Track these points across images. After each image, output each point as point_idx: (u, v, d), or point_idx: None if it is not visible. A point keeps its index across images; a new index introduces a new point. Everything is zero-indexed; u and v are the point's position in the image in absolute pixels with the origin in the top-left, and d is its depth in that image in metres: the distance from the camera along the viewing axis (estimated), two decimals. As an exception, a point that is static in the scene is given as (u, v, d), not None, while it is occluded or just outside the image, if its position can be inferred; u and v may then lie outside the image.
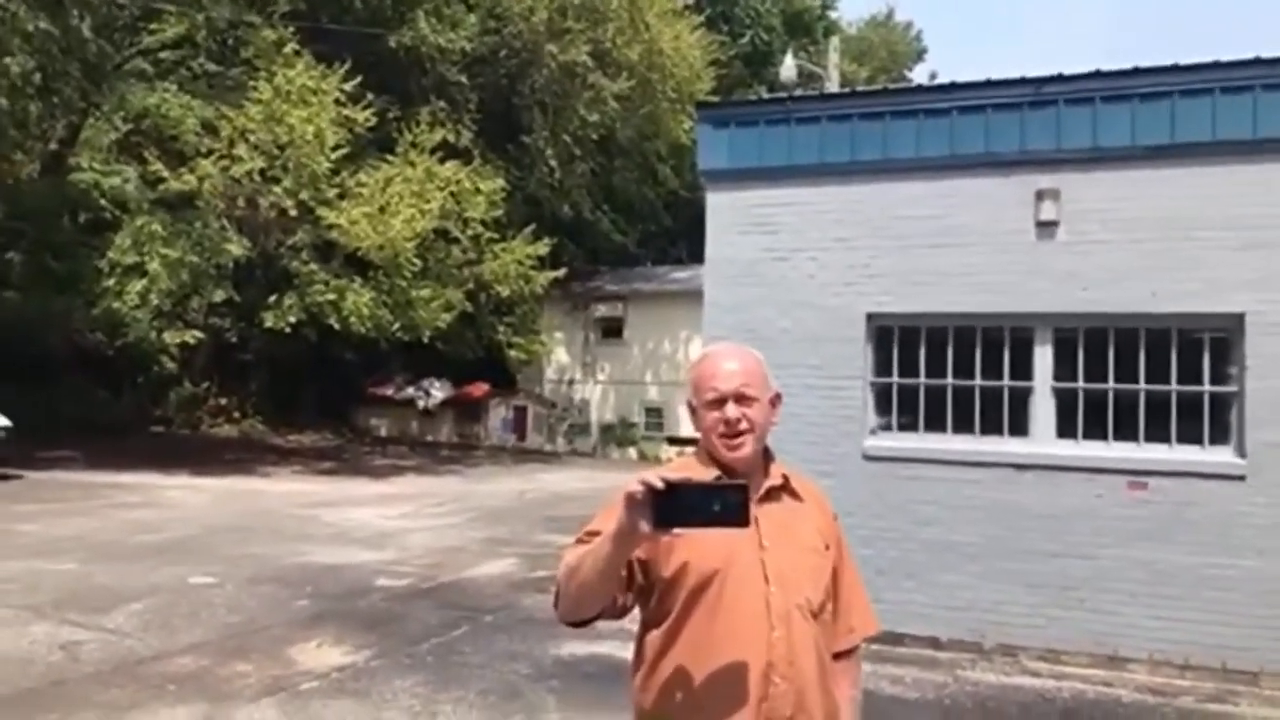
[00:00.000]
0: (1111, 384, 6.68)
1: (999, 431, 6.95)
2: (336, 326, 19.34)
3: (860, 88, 13.66)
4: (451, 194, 19.80)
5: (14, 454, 16.03)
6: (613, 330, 28.63)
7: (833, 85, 19.19)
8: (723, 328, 7.50)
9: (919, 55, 48.32)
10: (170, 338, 19.18)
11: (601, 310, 28.67)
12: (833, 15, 40.77)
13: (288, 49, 18.78)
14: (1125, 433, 6.65)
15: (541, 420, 28.74)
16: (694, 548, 1.82)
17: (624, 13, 23.41)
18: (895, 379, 7.28)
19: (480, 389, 28.43)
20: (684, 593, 1.86)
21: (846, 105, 7.81)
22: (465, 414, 28.96)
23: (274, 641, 6.62)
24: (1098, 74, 6.86)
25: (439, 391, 28.49)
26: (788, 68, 18.86)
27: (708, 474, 1.92)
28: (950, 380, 7.10)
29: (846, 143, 7.44)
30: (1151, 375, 6.60)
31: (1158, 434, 6.57)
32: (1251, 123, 6.39)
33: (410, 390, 28.79)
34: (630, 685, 1.99)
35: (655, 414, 27.56)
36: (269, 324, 19.37)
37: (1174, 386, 6.55)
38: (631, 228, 31.29)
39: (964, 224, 7.07)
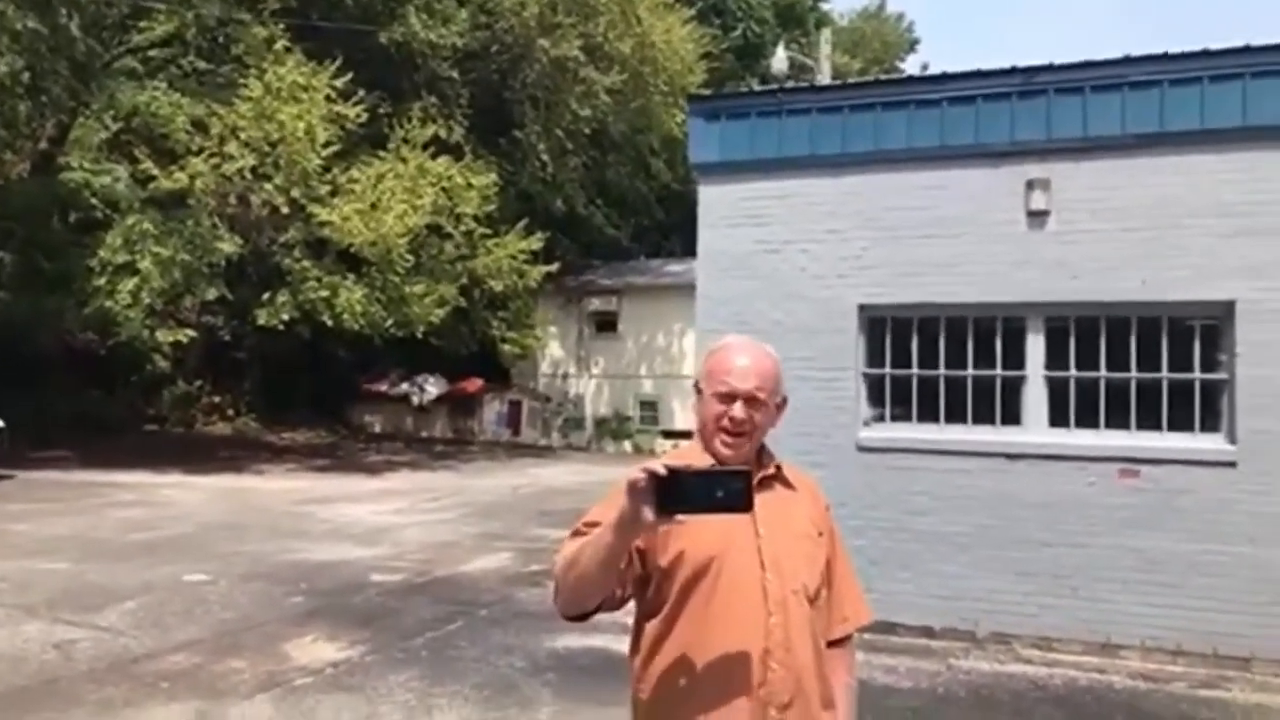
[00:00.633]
0: (1103, 372, 6.70)
1: (992, 421, 6.97)
2: (329, 323, 19.30)
3: (851, 79, 13.69)
4: (444, 189, 19.75)
5: (7, 454, 16.00)
6: (607, 324, 28.61)
7: (824, 77, 19.17)
8: (715, 320, 7.50)
9: (911, 46, 48.33)
10: (163, 336, 19.12)
11: (595, 304, 28.65)
12: (824, 7, 40.73)
13: (278, 46, 18.70)
14: (1117, 421, 6.67)
15: (536, 415, 28.73)
16: (691, 536, 1.82)
17: (615, 6, 23.36)
18: (888, 370, 7.29)
19: (474, 384, 28.40)
20: (680, 581, 1.86)
21: (837, 97, 7.82)
22: (459, 409, 28.93)
23: (268, 638, 6.62)
24: (1087, 63, 6.87)
25: (433, 387, 28.46)
26: (779, 60, 18.85)
27: (704, 461, 1.93)
28: (943, 370, 7.11)
29: (838, 134, 7.44)
30: (1143, 363, 6.62)
31: (1149, 422, 6.59)
32: (1241, 110, 6.40)
33: (404, 386, 28.75)
34: (629, 676, 1.99)
35: (650, 407, 27.57)
36: (262, 321, 19.32)
37: (1165, 374, 6.57)
38: (625, 221, 31.27)
39: (955, 214, 7.07)
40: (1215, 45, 6.58)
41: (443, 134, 21.17)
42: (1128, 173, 6.67)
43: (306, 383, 28.12)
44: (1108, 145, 6.72)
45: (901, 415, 7.26)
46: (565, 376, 28.89)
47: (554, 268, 23.75)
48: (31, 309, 18.87)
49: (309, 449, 24.24)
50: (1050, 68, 6.93)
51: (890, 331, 7.29)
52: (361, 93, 19.63)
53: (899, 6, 75.37)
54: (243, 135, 17.95)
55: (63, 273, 19.12)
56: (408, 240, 18.83)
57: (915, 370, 7.19)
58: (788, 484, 2.01)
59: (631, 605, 1.97)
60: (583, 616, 1.91)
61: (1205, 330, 6.57)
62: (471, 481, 18.34)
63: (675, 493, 1.61)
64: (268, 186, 18.19)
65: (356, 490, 16.27)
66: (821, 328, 7.28)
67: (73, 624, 6.81)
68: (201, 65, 21.22)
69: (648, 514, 1.61)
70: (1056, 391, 6.82)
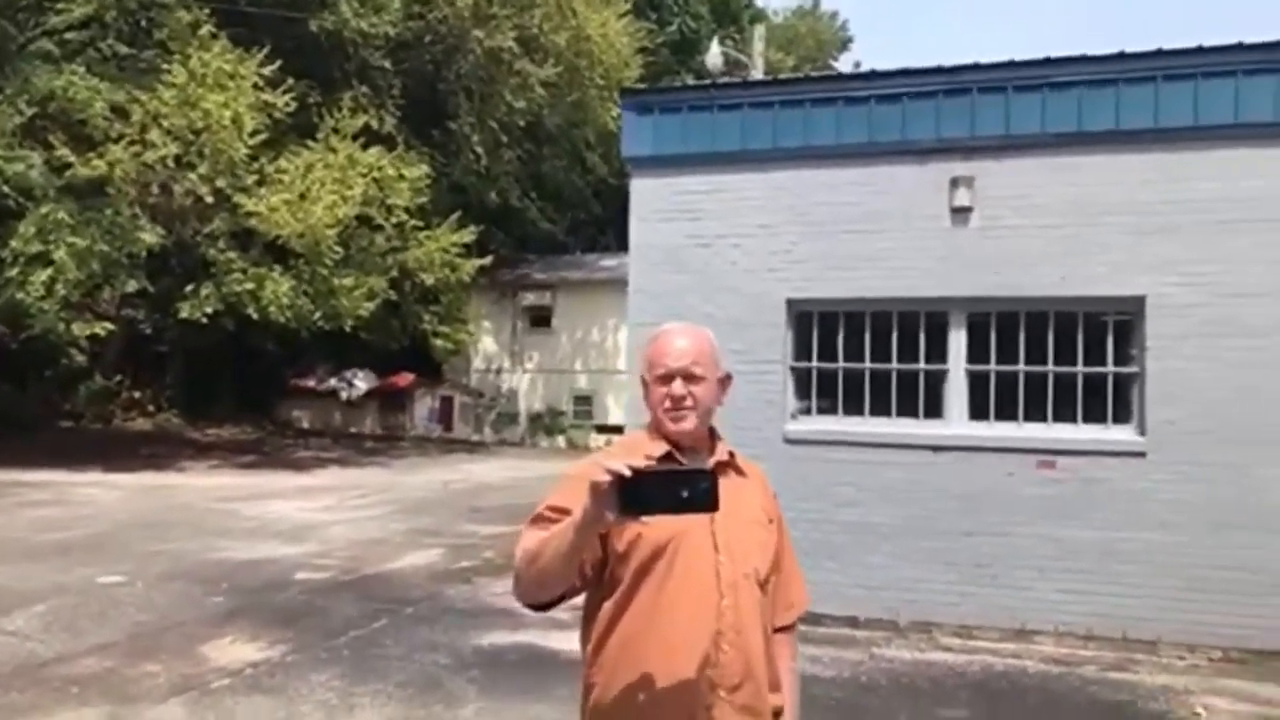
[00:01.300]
0: (1022, 366, 6.86)
1: (915, 414, 7.09)
2: (255, 316, 18.87)
3: (783, 75, 13.82)
4: (374, 180, 19.46)
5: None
6: (541, 319, 28.48)
7: (758, 73, 19.29)
8: (648, 314, 7.50)
9: (844, 45, 48.98)
10: (79, 329, 18.44)
11: (530, 299, 28.50)
12: (759, 4, 41.08)
13: (203, 31, 18.22)
14: (1035, 413, 6.84)
15: (468, 410, 28.49)
16: (648, 524, 1.82)
17: (551, -1, 23.25)
18: (815, 363, 7.37)
19: (405, 379, 28.04)
20: (636, 564, 1.87)
21: (768, 93, 7.86)
22: (390, 405, 28.54)
23: (186, 639, 6.43)
24: (1010, 64, 7.02)
25: (363, 382, 28.02)
26: (713, 55, 18.91)
27: (658, 447, 1.95)
28: (868, 364, 7.21)
29: (768, 130, 7.49)
30: (1060, 357, 6.79)
31: (1066, 414, 6.78)
32: (1153, 113, 6.60)
33: (333, 381, 28.27)
34: (581, 658, 1.99)
35: (584, 402, 27.54)
36: (185, 314, 18.80)
37: (1080, 368, 6.75)
38: (560, 215, 31.13)
39: (882, 210, 7.17)
40: (1130, 49, 6.79)
41: (374, 124, 20.85)
42: (1048, 171, 6.83)
43: (232, 377, 27.49)
44: (1029, 144, 6.88)
45: (828, 408, 7.34)
46: (499, 371, 28.70)
47: (487, 261, 23.54)
48: (-62, 301, 18.08)
49: (234, 445, 23.67)
50: (975, 67, 7.07)
51: (817, 325, 7.37)
52: (290, 81, 19.20)
53: (833, 5, 76.36)
54: (165, 123, 17.43)
55: (-29, 263, 18.36)
56: (337, 232, 18.50)
57: (841, 364, 7.28)
58: (740, 471, 2.04)
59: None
60: (543, 606, 1.91)
61: (1119, 325, 6.77)
62: (402, 478, 18.10)
63: (639, 493, 1.58)
64: (192, 176, 17.70)
65: (283, 487, 15.94)
66: (752, 321, 7.32)
67: (-23, 627, 6.55)
68: (122, 49, 20.47)
69: (610, 515, 1.61)
70: (977, 385, 6.97)
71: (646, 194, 7.75)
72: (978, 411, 6.96)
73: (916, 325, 7.13)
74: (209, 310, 18.58)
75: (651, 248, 7.66)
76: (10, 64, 19.75)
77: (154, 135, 17.35)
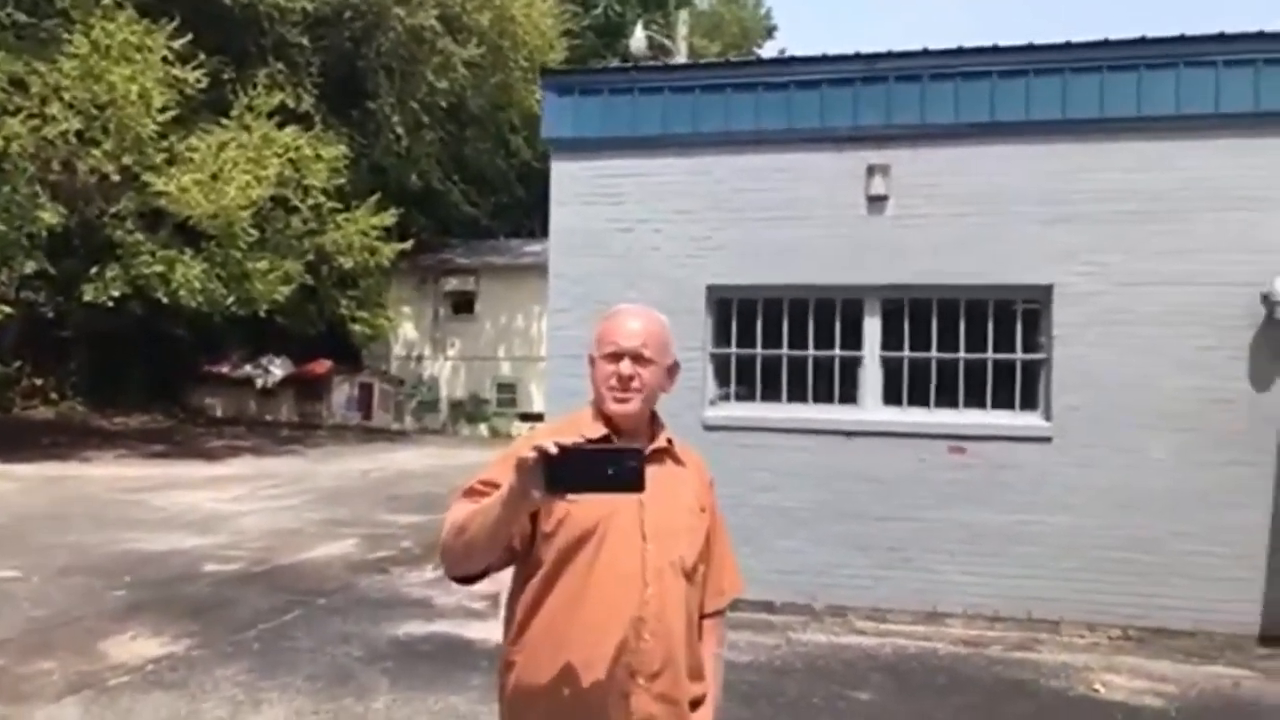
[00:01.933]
0: (934, 353, 6.99)
1: (830, 400, 7.17)
2: (165, 300, 18.20)
3: (704, 60, 13.85)
4: (290, 161, 18.86)
5: None
6: (463, 305, 28.10)
7: (681, 59, 19.28)
8: (569, 299, 7.44)
9: (769, 32, 49.23)
10: (-29, 313, 17.58)
11: (452, 284, 28.08)
12: (685, -10, 40.97)
13: (107, 0, 17.41)
14: (946, 399, 6.98)
15: (389, 398, 28.01)
16: (575, 503, 1.81)
17: (473, -23, 22.85)
18: (733, 349, 7.39)
19: (323, 366, 27.40)
20: (560, 546, 1.86)
21: (689, 77, 7.84)
22: (307, 392, 27.85)
23: (83, 635, 6.18)
24: (925, 52, 7.12)
25: (278, 369, 27.30)
26: (637, 40, 18.81)
27: (596, 429, 1.94)
28: (785, 351, 7.27)
29: (689, 114, 7.46)
30: (970, 344, 6.93)
31: (976, 400, 6.92)
32: (1060, 104, 6.76)
33: (248, 368, 27.47)
34: (501, 637, 1.99)
35: (508, 390, 27.31)
36: (89, 298, 18.04)
37: (990, 355, 6.91)
38: (484, 199, 30.67)
39: (800, 197, 7.21)
40: (1039, 40, 6.94)
41: (290, 103, 20.24)
42: (960, 160, 6.95)
43: (140, 364, 26.50)
44: (942, 133, 6.99)
45: (745, 394, 7.38)
46: (420, 358, 28.26)
47: (408, 245, 23.08)
48: None
49: (143, 434, 22.87)
50: (891, 55, 7.14)
51: (736, 312, 7.40)
52: (202, 56, 18.48)
53: (758, -7, 76.57)
54: (67, 96, 16.61)
55: None
56: (251, 213, 17.90)
57: (759, 350, 7.32)
58: (677, 460, 2.04)
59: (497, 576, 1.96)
60: (468, 579, 1.90)
61: (1026, 313, 6.94)
62: (318, 467, 17.72)
63: (566, 470, 1.57)
64: (96, 153, 16.92)
65: (194, 477, 15.47)
66: (673, 308, 7.17)
67: None
68: (21, 18, 19.49)
69: (535, 492, 1.59)
70: (891, 371, 7.08)
71: (567, 177, 7.67)
72: (891, 397, 7.07)
73: (833, 312, 7.20)
74: (115, 293, 17.86)
75: (572, 231, 7.59)
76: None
77: (54, 109, 16.53)
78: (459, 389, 27.83)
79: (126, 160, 17.06)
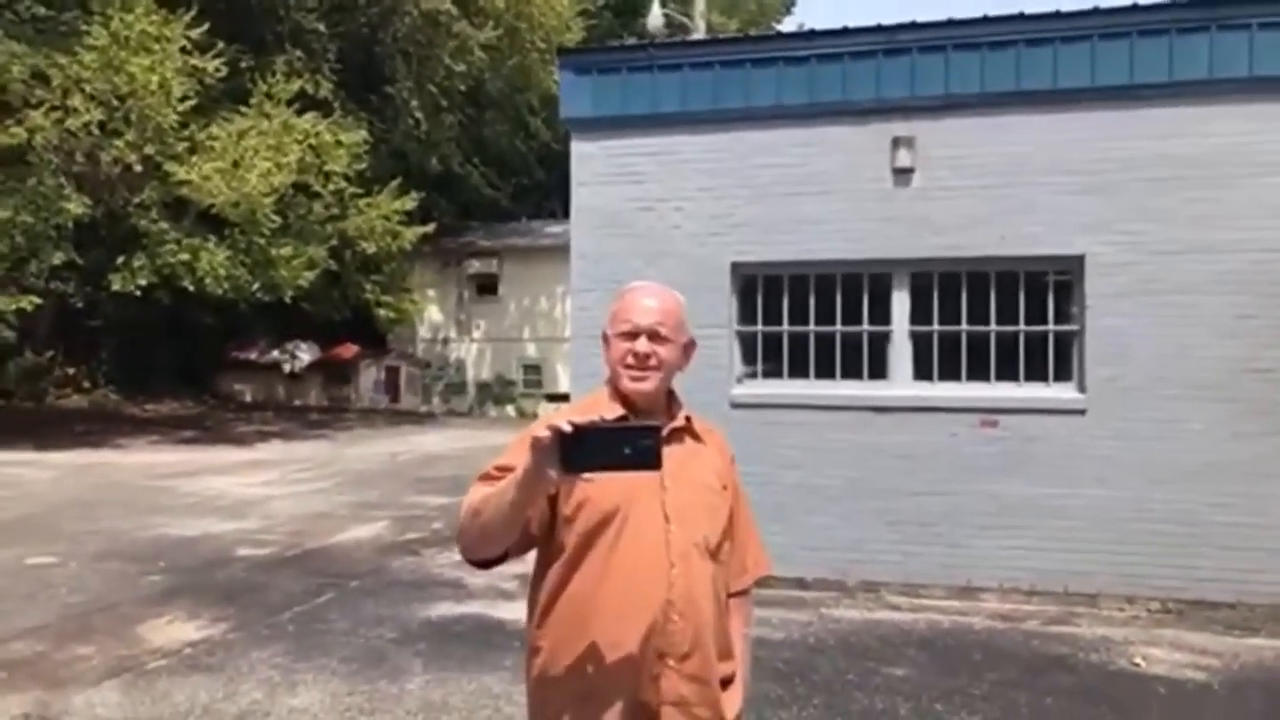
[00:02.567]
0: (964, 326, 6.90)
1: (859, 376, 7.11)
2: (191, 288, 18.35)
3: (722, 35, 13.72)
4: (311, 147, 18.89)
5: None
6: (487, 287, 28.12)
7: (700, 36, 19.11)
8: (591, 279, 7.41)
9: (787, 8, 48.69)
10: (4, 304, 17.77)
11: (475, 266, 28.09)
12: (702, -33, 40.57)
13: (125, -8, 17.45)
14: (977, 373, 6.90)
15: (415, 381, 28.13)
16: (594, 486, 1.79)
17: (488, -42, 22.73)
18: (760, 327, 7.34)
19: (349, 350, 27.58)
20: (582, 530, 1.85)
21: (708, 53, 7.75)
22: (334, 376, 28.07)
23: (121, 620, 6.26)
24: (949, 22, 6.99)
25: (305, 354, 27.50)
26: (655, 17, 18.68)
27: (613, 410, 1.92)
28: (812, 327, 7.21)
29: (709, 91, 7.39)
30: (1001, 317, 6.84)
31: (1007, 373, 6.84)
32: (1090, 70, 6.63)
33: (275, 353, 27.69)
34: (525, 623, 1.98)
35: (533, 371, 27.35)
36: (117, 287, 18.20)
37: (1021, 327, 6.82)
38: (504, 182, 30.64)
39: (824, 171, 7.14)
40: (1066, 8, 6.79)
41: (309, 89, 20.26)
42: (987, 131, 6.84)
43: (169, 351, 26.79)
44: (968, 103, 6.88)
45: (773, 371, 7.34)
46: (445, 341, 28.34)
47: (430, 229, 23.12)
48: None
49: (173, 421, 23.13)
50: (914, 26, 7.03)
51: (762, 289, 7.34)
52: (221, 45, 18.53)
53: (776, -32, 75.53)
54: (88, 87, 16.71)
55: (-114, 236, 17.56)
56: (273, 200, 17.96)
57: (786, 327, 7.26)
58: (696, 437, 2.02)
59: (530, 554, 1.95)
60: (487, 563, 1.89)
61: (1058, 284, 6.83)
62: (347, 450, 17.84)
63: (581, 450, 1.55)
64: (118, 143, 17.02)
65: (224, 462, 15.62)
66: (696, 286, 7.22)
67: (-102, 615, 6.30)
68: (41, 11, 19.61)
69: (551, 472, 1.57)
70: (920, 345, 7.01)
71: (587, 156, 7.62)
72: (921, 372, 7.00)
73: (860, 287, 7.13)
74: (142, 282, 18.00)
75: (593, 211, 7.55)
76: (-80, 27, 18.84)
77: (76, 101, 16.62)
78: (485, 371, 27.91)
79: (149, 150, 17.15)
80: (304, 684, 5.07)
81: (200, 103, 17.80)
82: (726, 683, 1.95)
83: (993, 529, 6.69)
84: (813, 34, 7.60)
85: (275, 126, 18.42)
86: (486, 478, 1.86)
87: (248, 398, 28.22)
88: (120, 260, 18.26)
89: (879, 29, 7.11)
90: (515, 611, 6.29)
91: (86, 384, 26.16)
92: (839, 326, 7.14)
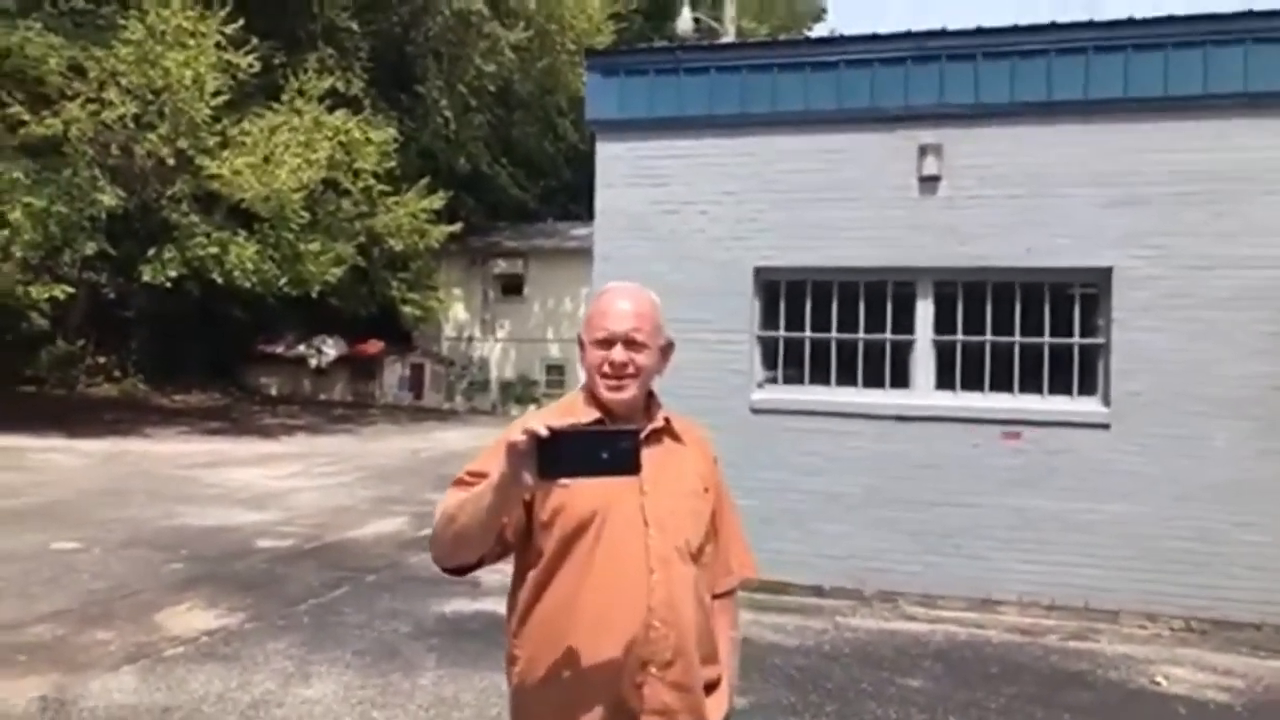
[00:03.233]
0: (989, 336, 6.85)
1: (881, 384, 7.07)
2: (220, 281, 18.56)
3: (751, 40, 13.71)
4: (341, 144, 19.07)
5: None
6: (512, 287, 28.24)
7: (729, 40, 19.08)
8: (613, 281, 7.39)
9: (818, 14, 48.55)
10: (37, 292, 18.02)
11: (501, 266, 28.23)
12: (734, -29, 40.50)
13: (162, -13, 17.66)
14: (1001, 384, 6.84)
15: (440, 378, 28.28)
16: (572, 491, 1.77)
17: (520, -40, 22.84)
18: (781, 332, 7.32)
19: (375, 346, 27.79)
20: (559, 536, 1.80)
21: (735, 56, 7.74)
22: (360, 372, 28.29)
23: (141, 607, 6.33)
24: (979, 31, 6.94)
25: (331, 349, 27.73)
26: (684, 20, 18.69)
27: (589, 414, 1.88)
28: (834, 334, 7.17)
29: (736, 95, 7.37)
30: (1026, 328, 6.78)
31: (1031, 385, 6.78)
32: (1122, 82, 6.56)
33: (302, 348, 27.95)
34: (505, 634, 1.94)
35: (556, 371, 27.42)
36: (147, 278, 18.45)
37: (1047, 339, 6.75)
38: (532, 183, 30.78)
39: (850, 178, 7.10)
40: (1100, 18, 6.72)
41: (340, 86, 20.46)
42: (1015, 141, 6.78)
43: (198, 343, 27.07)
44: (997, 113, 6.82)
45: (794, 377, 7.31)
46: (470, 340, 28.48)
47: (457, 228, 23.26)
48: (-109, 262, 17.61)
49: (201, 411, 23.38)
50: (944, 34, 6.98)
51: (784, 294, 7.31)
52: (254, 41, 18.75)
53: (809, -27, 75.28)
54: (124, 81, 16.94)
55: (-75, 224, 17.87)
56: (303, 196, 18.16)
57: (808, 333, 7.24)
58: (676, 438, 1.96)
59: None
60: (461, 570, 1.84)
61: (1084, 296, 6.76)
62: (370, 445, 17.96)
63: (558, 454, 1.52)
64: (152, 136, 17.25)
65: (249, 454, 15.77)
66: (718, 290, 7.25)
67: (-75, 596, 6.40)
68: (80, 4, 19.90)
69: (527, 478, 1.53)
70: (944, 355, 6.95)
71: (612, 158, 7.63)
72: (944, 381, 6.95)
73: (884, 295, 7.09)
74: (171, 274, 18.22)
75: (617, 213, 7.55)
76: (-38, 19, 19.15)
77: (112, 94, 16.87)
78: (508, 370, 28.02)
79: (181, 144, 17.38)
80: (317, 675, 5.10)
81: (233, 98, 18.01)
82: (712, 687, 1.91)
83: (1014, 542, 6.63)
84: (841, 39, 7.58)
85: (306, 123, 18.62)
86: (460, 483, 1.82)
87: (274, 391, 28.49)
88: (151, 252, 18.50)
89: (908, 36, 7.08)
90: (530, 610, 6.30)
91: (117, 373, 26.49)
92: (861, 334, 7.10)
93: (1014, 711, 4.85)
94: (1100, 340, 6.67)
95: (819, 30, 44.71)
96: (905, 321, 7.03)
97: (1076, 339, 6.74)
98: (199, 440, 17.79)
